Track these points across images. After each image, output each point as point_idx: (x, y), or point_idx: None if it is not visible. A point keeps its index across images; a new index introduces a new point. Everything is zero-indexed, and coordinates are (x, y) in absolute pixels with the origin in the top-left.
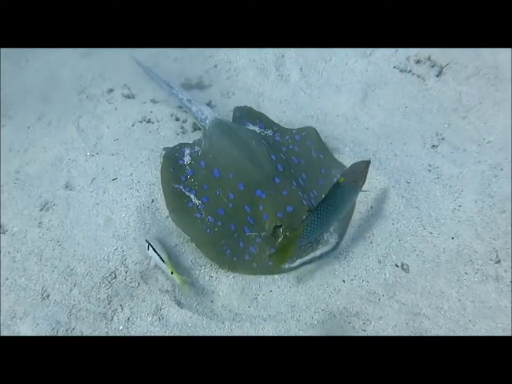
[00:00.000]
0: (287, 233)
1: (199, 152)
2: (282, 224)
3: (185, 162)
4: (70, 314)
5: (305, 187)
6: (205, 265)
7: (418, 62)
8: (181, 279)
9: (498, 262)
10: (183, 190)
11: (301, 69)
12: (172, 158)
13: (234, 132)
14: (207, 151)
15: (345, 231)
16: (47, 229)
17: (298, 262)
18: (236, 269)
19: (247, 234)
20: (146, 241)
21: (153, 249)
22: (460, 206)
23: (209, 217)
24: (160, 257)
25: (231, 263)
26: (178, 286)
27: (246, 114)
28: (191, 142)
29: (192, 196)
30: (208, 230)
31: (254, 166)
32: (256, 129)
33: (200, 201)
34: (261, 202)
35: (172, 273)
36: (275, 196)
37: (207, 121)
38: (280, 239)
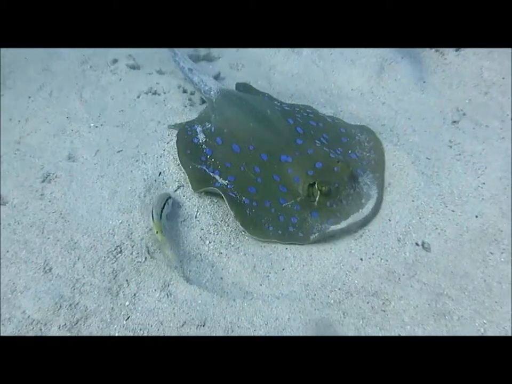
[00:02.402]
0: (323, 188)
1: (212, 128)
2: (316, 180)
3: (200, 141)
4: (74, 289)
5: (329, 145)
6: (214, 241)
7: None
8: (162, 239)
9: None
10: (207, 170)
11: None
12: (184, 139)
13: (245, 102)
14: (221, 126)
15: (383, 172)
16: (49, 201)
17: (344, 223)
18: (285, 241)
19: (283, 205)
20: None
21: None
22: (484, 183)
23: (244, 198)
24: (152, 214)
25: (279, 237)
26: (186, 260)
27: (248, 90)
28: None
29: (217, 177)
30: (247, 211)
31: (273, 133)
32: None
33: (227, 181)
34: (288, 166)
35: (156, 232)
36: (301, 157)
37: (211, 92)
38: (317, 196)
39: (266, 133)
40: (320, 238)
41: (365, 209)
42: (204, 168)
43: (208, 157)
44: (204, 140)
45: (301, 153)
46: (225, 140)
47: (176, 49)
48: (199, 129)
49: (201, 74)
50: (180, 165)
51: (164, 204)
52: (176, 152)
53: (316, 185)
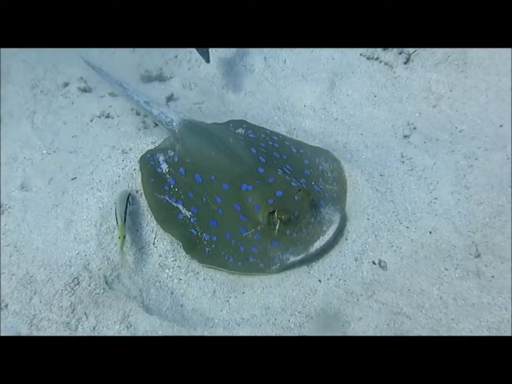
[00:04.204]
0: (283, 216)
1: (175, 158)
2: (276, 209)
3: (163, 171)
4: (31, 325)
5: (292, 175)
6: (173, 267)
7: (385, 49)
8: (122, 242)
9: (478, 256)
10: (170, 200)
11: (264, 58)
12: (148, 168)
13: (208, 132)
14: (184, 156)
15: (344, 205)
16: (3, 234)
17: (304, 253)
18: (245, 273)
19: (244, 235)
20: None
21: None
22: (436, 198)
23: (204, 234)
24: (116, 218)
25: (238, 268)
26: (145, 289)
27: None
28: (153, 137)
29: (180, 207)
30: (207, 249)
31: (235, 162)
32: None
33: (190, 213)
34: (249, 195)
35: (119, 237)
36: (262, 185)
37: (174, 124)
38: (277, 225)
39: (228, 162)
40: (280, 269)
41: (326, 236)
42: (167, 198)
43: (172, 186)
44: (167, 170)
45: (261, 181)
46: (188, 170)
47: (124, 84)
48: (161, 158)
49: (160, 107)
50: (143, 195)
51: (126, 204)
52: (132, 178)
53: (276, 214)
